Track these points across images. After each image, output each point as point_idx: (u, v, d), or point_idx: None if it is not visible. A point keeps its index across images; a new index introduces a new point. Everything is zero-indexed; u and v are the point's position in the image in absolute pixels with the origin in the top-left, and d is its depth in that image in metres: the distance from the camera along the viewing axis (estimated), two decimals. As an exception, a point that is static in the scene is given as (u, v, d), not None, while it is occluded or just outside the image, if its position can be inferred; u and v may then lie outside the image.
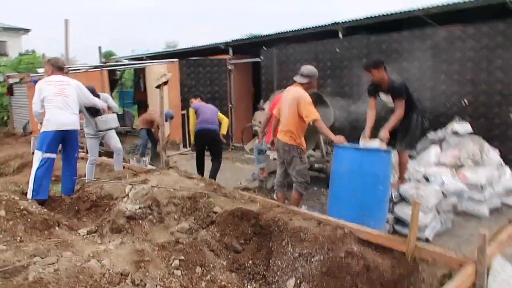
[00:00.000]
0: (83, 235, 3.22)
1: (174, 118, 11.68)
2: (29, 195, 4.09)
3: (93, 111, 5.38)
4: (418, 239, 4.19)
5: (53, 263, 2.41)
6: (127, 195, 3.62)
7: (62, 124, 4.38)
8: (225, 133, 6.31)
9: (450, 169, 5.25)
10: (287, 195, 4.76)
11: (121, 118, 14.93)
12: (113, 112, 5.66)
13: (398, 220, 4.37)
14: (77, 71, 10.78)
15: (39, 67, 14.11)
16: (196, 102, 6.35)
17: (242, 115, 11.52)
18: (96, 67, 9.56)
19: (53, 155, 4.35)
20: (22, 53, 23.60)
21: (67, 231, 3.21)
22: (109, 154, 6.28)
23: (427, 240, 4.12)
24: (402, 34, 7.02)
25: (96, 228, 3.34)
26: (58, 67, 4.66)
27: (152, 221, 3.38)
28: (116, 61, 17.26)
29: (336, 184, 4.08)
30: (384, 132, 4.23)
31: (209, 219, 3.42)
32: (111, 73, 14.67)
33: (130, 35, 69.99)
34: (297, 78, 4.38)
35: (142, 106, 14.39)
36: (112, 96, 16.12)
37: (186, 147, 10.44)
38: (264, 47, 9.72)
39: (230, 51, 10.86)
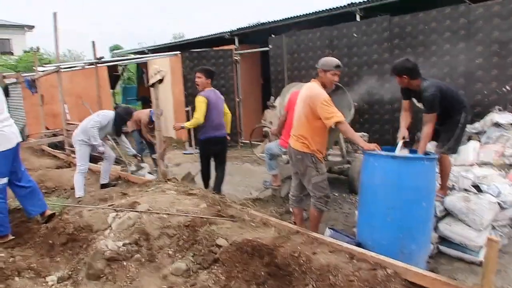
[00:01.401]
0: (52, 285, 2.55)
1: (179, 115, 11.01)
2: None
3: None
4: (471, 263, 3.48)
5: None
6: (110, 226, 2.93)
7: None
8: (229, 132, 5.34)
9: (495, 169, 4.46)
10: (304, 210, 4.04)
11: (124, 116, 14.35)
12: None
13: (444, 239, 3.60)
14: (72, 68, 10.15)
15: (40, 65, 13.55)
16: (207, 89, 4.96)
17: (251, 109, 10.77)
18: (91, 63, 8.87)
19: (5, 179, 3.46)
20: (26, 50, 23.18)
21: (31, 280, 2.54)
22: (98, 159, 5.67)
23: (481, 264, 3.35)
24: (429, 13, 6.14)
25: (70, 273, 2.66)
26: None
27: (140, 260, 2.69)
28: (118, 56, 16.60)
29: (367, 199, 3.32)
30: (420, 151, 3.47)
31: (212, 256, 2.71)
32: (113, 68, 14.04)
33: (138, 27, 69.31)
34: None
35: (146, 102, 13.74)
36: (114, 93, 15.62)
37: (192, 146, 9.75)
38: (272, 35, 8.91)
39: (236, 41, 10.07)
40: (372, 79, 6.89)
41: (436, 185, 3.78)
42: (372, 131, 6.92)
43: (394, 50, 6.61)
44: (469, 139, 5.32)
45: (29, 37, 29.32)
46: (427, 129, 3.50)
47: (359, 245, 3.15)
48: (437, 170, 3.74)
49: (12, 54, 25.05)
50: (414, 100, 3.84)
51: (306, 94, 3.51)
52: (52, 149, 8.22)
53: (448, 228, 3.54)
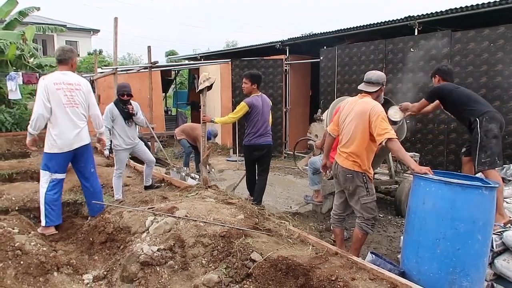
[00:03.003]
0: (87, 283, 2.59)
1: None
2: (43, 222, 3.59)
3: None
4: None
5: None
6: (147, 229, 2.94)
7: (73, 143, 3.74)
8: (216, 122, 5.03)
9: None
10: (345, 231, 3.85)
11: (174, 119, 14.79)
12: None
13: (500, 277, 3.26)
14: (129, 71, 10.61)
15: (99, 67, 14.36)
16: (254, 95, 4.88)
17: (297, 121, 10.65)
18: (145, 67, 9.21)
19: (63, 175, 3.78)
20: (90, 52, 24.73)
21: (69, 276, 2.59)
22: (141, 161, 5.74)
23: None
24: (496, 29, 5.72)
25: (105, 273, 2.69)
26: (59, 60, 3.76)
27: (173, 267, 2.67)
28: (172, 61, 17.17)
29: (415, 226, 3.07)
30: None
31: (245, 271, 2.63)
32: (166, 73, 14.54)
33: (195, 34, 71.74)
34: (362, 87, 3.47)
35: (196, 107, 14.05)
36: (165, 97, 16.13)
37: (236, 154, 9.79)
38: (324, 47, 8.76)
39: (287, 51, 10.03)
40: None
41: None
42: (424, 151, 6.55)
43: (454, 67, 6.22)
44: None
45: (95, 40, 31.28)
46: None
47: (402, 274, 2.94)
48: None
49: (78, 55, 26.82)
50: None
51: (363, 108, 3.32)
52: (104, 147, 8.56)
53: (506, 265, 3.19)
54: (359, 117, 3.32)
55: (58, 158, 3.68)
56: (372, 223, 3.45)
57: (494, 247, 3.26)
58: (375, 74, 3.46)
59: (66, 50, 3.84)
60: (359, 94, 3.52)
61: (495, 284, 3.30)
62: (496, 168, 3.82)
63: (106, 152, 4.83)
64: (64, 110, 3.66)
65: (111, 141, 4.89)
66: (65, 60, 3.78)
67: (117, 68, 7.83)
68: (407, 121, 6.47)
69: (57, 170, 3.69)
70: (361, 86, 3.49)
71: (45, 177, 3.66)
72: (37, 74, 10.44)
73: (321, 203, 4.99)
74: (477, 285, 2.92)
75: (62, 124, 3.66)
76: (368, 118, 3.24)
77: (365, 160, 3.34)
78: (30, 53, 12.35)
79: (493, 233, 3.23)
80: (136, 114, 5.02)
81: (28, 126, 3.67)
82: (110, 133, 4.85)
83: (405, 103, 4.56)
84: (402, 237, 3.40)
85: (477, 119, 3.75)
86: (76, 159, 3.85)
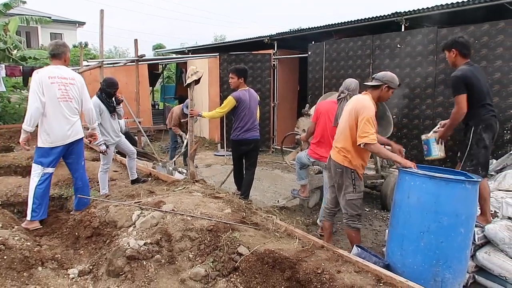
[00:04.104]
0: (73, 278, 2.56)
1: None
2: (28, 216, 3.54)
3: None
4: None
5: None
6: (134, 224, 2.92)
7: (67, 138, 3.73)
8: (203, 116, 4.98)
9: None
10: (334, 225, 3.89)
11: (161, 113, 14.68)
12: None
13: (481, 269, 3.35)
14: (116, 65, 10.46)
15: (85, 60, 14.10)
16: (241, 89, 4.92)
17: (285, 115, 10.68)
18: (132, 60, 9.10)
19: (54, 169, 3.76)
20: (75, 45, 24.30)
21: (54, 271, 2.56)
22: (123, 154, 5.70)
23: (522, 301, 3.08)
24: (481, 26, 5.81)
25: (91, 267, 2.66)
26: (53, 54, 3.72)
27: (159, 261, 2.66)
28: (159, 55, 16.99)
29: (400, 220, 3.12)
30: (443, 133, 3.69)
31: (232, 264, 2.64)
32: (153, 67, 14.38)
33: (184, 29, 70.98)
34: (367, 82, 3.53)
35: (183, 101, 13.96)
36: (152, 91, 15.97)
37: (224, 148, 9.77)
38: (313, 42, 8.78)
39: (275, 46, 10.02)
40: (414, 93, 6.62)
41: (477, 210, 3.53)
42: (410, 146, 6.64)
43: (439, 63, 6.31)
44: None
45: (80, 33, 30.74)
46: (454, 110, 3.52)
47: (387, 267, 2.98)
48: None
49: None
50: None
51: (354, 105, 3.34)
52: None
53: (487, 258, 3.28)
54: (349, 114, 3.35)
55: (52, 153, 3.67)
56: (358, 218, 3.49)
57: (476, 240, 3.35)
58: (382, 73, 3.45)
59: (60, 45, 3.81)
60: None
61: (476, 276, 3.39)
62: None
63: (103, 147, 4.75)
64: (58, 104, 3.64)
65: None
66: (59, 54, 3.75)
67: (103, 61, 7.72)
68: (393, 116, 6.55)
69: (50, 164, 3.67)
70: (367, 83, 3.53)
71: (37, 171, 3.62)
72: (21, 66, 10.21)
73: (307, 198, 5.02)
74: (460, 277, 2.99)
75: (56, 118, 3.63)
76: (356, 116, 3.26)
77: (355, 157, 3.35)
78: (14, 45, 12.08)
79: (475, 226, 3.31)
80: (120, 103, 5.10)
81: (23, 124, 3.54)
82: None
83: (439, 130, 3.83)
84: (387, 231, 3.45)
85: (473, 126, 3.54)
86: (69, 153, 3.83)
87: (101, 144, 4.64)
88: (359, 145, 3.22)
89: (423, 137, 3.77)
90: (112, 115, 4.95)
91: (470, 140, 3.56)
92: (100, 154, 4.83)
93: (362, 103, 3.28)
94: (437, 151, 3.69)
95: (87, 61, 10.55)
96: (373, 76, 3.49)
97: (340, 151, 3.41)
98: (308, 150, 4.46)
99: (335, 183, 3.53)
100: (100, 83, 5.13)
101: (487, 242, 3.38)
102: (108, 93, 4.91)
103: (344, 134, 3.39)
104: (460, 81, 3.45)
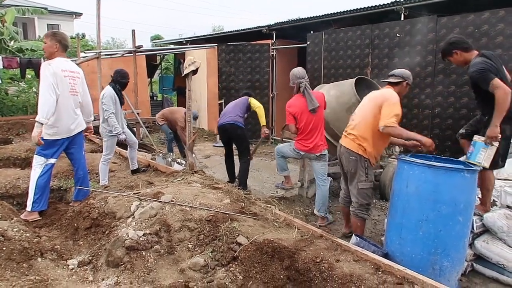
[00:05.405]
0: (72, 268, 2.57)
1: (212, 108, 11.05)
2: (29, 207, 3.54)
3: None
4: (508, 286, 3.23)
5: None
6: (133, 214, 2.92)
7: (73, 130, 3.78)
8: (264, 123, 5.45)
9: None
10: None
11: (160, 104, 14.62)
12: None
13: (480, 257, 3.36)
14: (113, 56, 10.39)
15: (82, 51, 13.98)
16: None
17: (284, 106, 10.43)
18: (130, 51, 9.03)
19: (56, 160, 3.77)
20: (72, 36, 24.12)
21: (53, 261, 2.57)
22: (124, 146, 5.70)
23: (519, 288, 3.10)
24: (481, 15, 5.75)
25: (91, 258, 2.67)
26: (65, 46, 3.71)
27: (159, 252, 2.66)
28: (157, 45, 16.87)
29: (399, 209, 3.13)
30: (491, 130, 3.18)
31: (231, 254, 2.64)
32: (151, 58, 14.29)
33: (180, 18, 70.39)
34: (386, 79, 3.69)
35: (182, 92, 13.91)
36: (151, 82, 15.87)
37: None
38: (311, 32, 8.71)
39: (274, 36, 9.94)
40: (413, 82, 6.59)
41: (476, 200, 3.54)
42: (408, 136, 6.62)
43: (439, 53, 6.24)
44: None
45: (77, 24, 30.47)
46: (498, 93, 3.10)
47: (386, 255, 3.00)
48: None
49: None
50: None
51: (380, 94, 3.50)
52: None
53: (485, 246, 3.30)
54: (374, 103, 3.45)
55: (55, 144, 3.69)
56: (367, 208, 3.59)
57: (475, 228, 3.36)
58: (401, 70, 3.66)
59: (67, 37, 3.82)
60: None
61: (475, 264, 3.41)
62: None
63: (123, 136, 4.87)
64: (68, 97, 3.67)
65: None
66: (67, 47, 3.77)
67: (100, 52, 7.65)
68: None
69: (53, 156, 3.69)
70: (386, 79, 3.68)
71: (40, 162, 3.63)
72: (18, 58, 10.14)
73: (292, 187, 5.09)
74: (458, 265, 3.01)
75: (66, 111, 3.66)
76: (381, 105, 3.35)
77: (371, 146, 3.44)
78: (10, 36, 11.98)
79: (474, 215, 3.32)
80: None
81: (39, 117, 3.40)
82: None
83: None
84: (386, 220, 3.47)
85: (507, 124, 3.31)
86: (71, 144, 3.86)
87: (120, 134, 4.78)
88: (380, 129, 3.31)
89: (475, 137, 3.39)
90: (121, 106, 5.04)
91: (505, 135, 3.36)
92: (103, 144, 4.87)
93: (389, 93, 3.44)
94: (480, 159, 3.29)
95: (85, 52, 10.48)
96: (391, 73, 3.61)
97: (356, 139, 3.49)
98: (295, 144, 4.47)
99: (347, 172, 3.60)
100: (111, 75, 5.15)
101: (486, 230, 3.40)
102: (122, 84, 5.02)
103: (365, 122, 3.47)
104: (483, 72, 3.21)
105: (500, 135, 3.21)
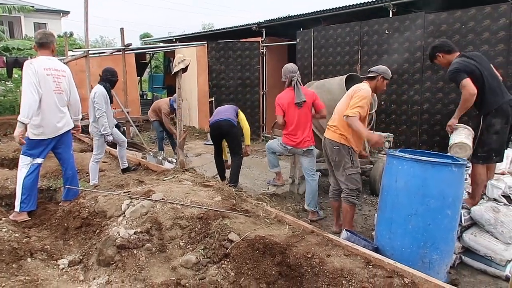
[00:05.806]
0: (63, 268, 2.55)
1: (203, 106, 11.02)
2: (17, 208, 3.50)
3: None
4: (496, 277, 3.29)
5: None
6: (123, 213, 2.91)
7: (59, 130, 3.72)
8: (249, 143, 5.57)
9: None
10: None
11: (150, 103, 14.52)
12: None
13: (468, 250, 3.42)
14: (102, 54, 10.29)
15: (70, 50, 13.80)
16: None
17: (274, 103, 10.64)
18: (118, 50, 8.96)
19: (43, 160, 3.72)
20: (60, 35, 23.80)
21: (43, 261, 2.55)
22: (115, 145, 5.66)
23: (507, 279, 3.17)
24: (467, 11, 5.83)
25: (81, 257, 2.66)
26: (41, 44, 3.61)
27: (150, 250, 2.66)
28: (146, 44, 16.75)
29: (388, 204, 3.17)
30: (450, 121, 3.69)
31: (222, 251, 2.65)
32: (141, 56, 14.18)
33: (170, 17, 69.88)
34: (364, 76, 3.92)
35: (172, 91, 13.84)
36: (140, 81, 15.76)
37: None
38: (301, 29, 8.73)
39: (264, 33, 9.94)
40: (402, 78, 6.66)
41: (464, 193, 3.59)
42: (398, 132, 6.69)
43: (427, 49, 6.32)
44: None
45: (65, 23, 30.08)
46: (463, 93, 3.46)
47: (376, 250, 3.03)
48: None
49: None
50: None
51: (354, 89, 3.70)
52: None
53: (473, 239, 3.35)
54: (347, 95, 3.70)
55: (42, 144, 3.64)
56: (357, 194, 3.73)
57: (463, 221, 3.41)
58: (378, 66, 3.87)
59: (48, 34, 3.72)
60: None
61: (463, 257, 3.46)
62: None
63: (110, 138, 4.83)
64: (52, 96, 3.60)
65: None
66: (47, 43, 3.67)
67: (88, 50, 7.57)
68: (382, 102, 6.59)
69: (40, 156, 3.64)
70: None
71: (25, 162, 3.58)
72: (4, 57, 9.99)
73: (283, 184, 5.13)
74: (447, 258, 3.05)
75: (51, 111, 3.59)
76: (352, 94, 3.61)
77: (351, 135, 3.63)
78: (-4, 35, 11.80)
79: (462, 208, 3.38)
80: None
81: (20, 116, 3.36)
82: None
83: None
84: (376, 215, 3.51)
85: (482, 114, 3.56)
86: (58, 143, 3.81)
87: (108, 135, 4.75)
88: (343, 118, 3.57)
89: (456, 125, 3.77)
90: (111, 105, 5.03)
91: (480, 126, 3.59)
92: (94, 144, 4.83)
93: (360, 87, 3.65)
94: (452, 138, 3.68)
95: (73, 51, 10.36)
96: (369, 70, 3.83)
97: (337, 129, 3.69)
98: (282, 139, 4.54)
99: (332, 161, 3.75)
100: (100, 74, 5.11)
101: (473, 223, 3.46)
102: (112, 82, 5.01)
103: (339, 114, 3.67)
104: (456, 72, 3.50)
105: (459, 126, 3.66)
